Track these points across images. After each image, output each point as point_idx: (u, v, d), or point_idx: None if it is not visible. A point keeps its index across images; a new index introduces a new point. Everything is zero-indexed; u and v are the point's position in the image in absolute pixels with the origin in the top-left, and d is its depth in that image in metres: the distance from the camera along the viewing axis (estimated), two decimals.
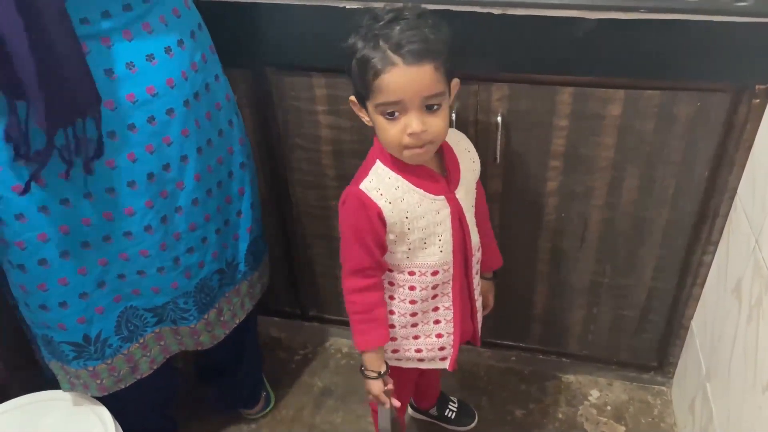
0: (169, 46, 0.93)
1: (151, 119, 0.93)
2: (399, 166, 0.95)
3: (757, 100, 1.07)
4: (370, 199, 0.93)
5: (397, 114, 0.87)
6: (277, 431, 1.51)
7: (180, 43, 0.95)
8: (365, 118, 0.95)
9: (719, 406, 1.20)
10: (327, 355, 1.69)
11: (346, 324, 1.65)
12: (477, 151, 1.06)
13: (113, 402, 1.14)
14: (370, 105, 0.89)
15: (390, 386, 1.04)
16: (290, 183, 1.42)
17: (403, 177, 0.95)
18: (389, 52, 0.83)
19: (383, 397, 1.04)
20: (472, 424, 1.49)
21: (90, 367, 1.08)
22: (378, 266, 1.00)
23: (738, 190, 1.17)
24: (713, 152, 1.15)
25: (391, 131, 0.88)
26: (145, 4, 0.90)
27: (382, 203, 0.93)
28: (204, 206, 1.07)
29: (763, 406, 0.99)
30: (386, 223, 0.94)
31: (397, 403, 1.06)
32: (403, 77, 0.83)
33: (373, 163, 0.96)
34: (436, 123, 0.88)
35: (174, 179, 1.00)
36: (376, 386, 1.03)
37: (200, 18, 1.03)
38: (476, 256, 1.07)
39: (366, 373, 1.03)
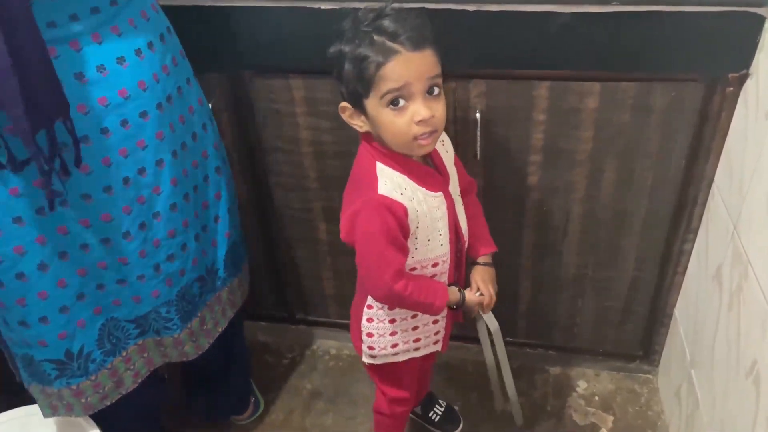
0: (139, 49, 0.92)
1: (124, 122, 0.92)
2: (401, 166, 0.94)
3: (731, 89, 1.08)
4: (394, 200, 0.92)
5: (402, 102, 0.86)
6: None
7: (150, 45, 0.94)
8: (358, 124, 0.93)
9: (704, 393, 1.21)
10: (315, 357, 1.69)
11: (332, 326, 1.67)
12: (457, 148, 1.06)
13: (100, 415, 1.12)
14: (371, 102, 0.88)
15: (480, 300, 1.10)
16: (271, 186, 1.41)
17: (408, 176, 0.95)
18: (388, 43, 0.84)
19: (478, 299, 1.09)
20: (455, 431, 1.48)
21: (73, 385, 1.05)
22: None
23: (715, 178, 1.19)
24: (689, 141, 1.16)
25: (399, 123, 0.88)
26: (113, 7, 0.89)
27: (405, 202, 0.93)
28: (182, 212, 1.05)
29: (747, 391, 1.00)
30: (410, 219, 0.94)
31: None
32: (407, 63, 0.84)
33: (374, 166, 0.94)
34: (439, 108, 0.89)
35: (150, 184, 0.99)
36: (473, 298, 1.09)
37: (168, 22, 1.02)
38: (467, 243, 1.10)
39: (463, 303, 1.08)
